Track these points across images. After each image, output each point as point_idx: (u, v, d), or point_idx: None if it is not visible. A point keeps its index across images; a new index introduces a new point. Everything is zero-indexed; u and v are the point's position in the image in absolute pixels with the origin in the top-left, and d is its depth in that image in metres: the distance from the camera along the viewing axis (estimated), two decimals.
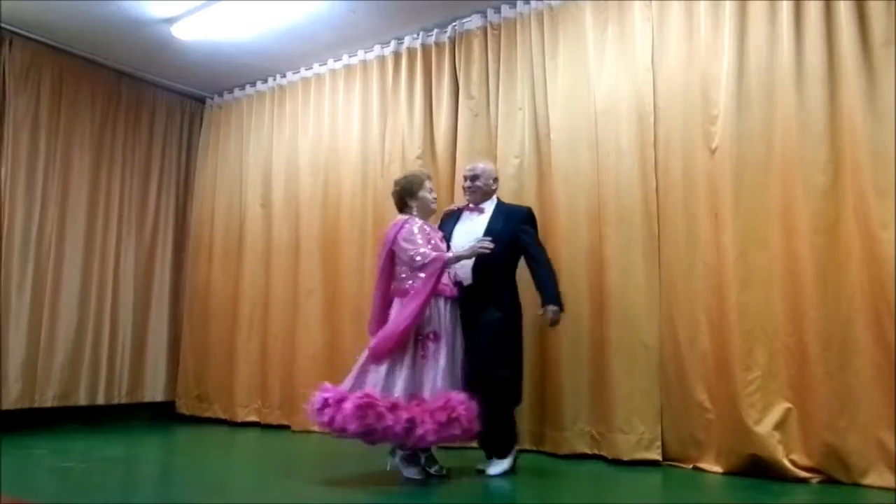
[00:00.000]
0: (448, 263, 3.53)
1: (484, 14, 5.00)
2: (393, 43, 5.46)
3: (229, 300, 6.15)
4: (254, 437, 5.41)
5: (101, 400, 5.87)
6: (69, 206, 5.82)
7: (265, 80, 6.32)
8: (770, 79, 3.78)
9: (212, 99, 6.78)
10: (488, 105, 4.90)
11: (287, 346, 5.68)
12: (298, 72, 6.08)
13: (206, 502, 3.13)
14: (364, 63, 5.65)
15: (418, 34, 5.32)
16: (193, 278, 6.51)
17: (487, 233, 3.68)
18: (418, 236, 3.57)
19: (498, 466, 3.65)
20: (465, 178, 3.99)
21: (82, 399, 5.75)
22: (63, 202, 5.77)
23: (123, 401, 6.05)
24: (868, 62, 3.52)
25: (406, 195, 3.78)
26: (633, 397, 4.00)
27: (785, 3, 3.78)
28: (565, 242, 4.36)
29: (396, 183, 3.85)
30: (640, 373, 4.03)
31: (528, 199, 4.56)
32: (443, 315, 3.56)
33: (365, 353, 3.49)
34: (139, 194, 6.37)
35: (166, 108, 6.64)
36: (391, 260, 3.63)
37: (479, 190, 3.93)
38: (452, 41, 5.16)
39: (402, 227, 3.60)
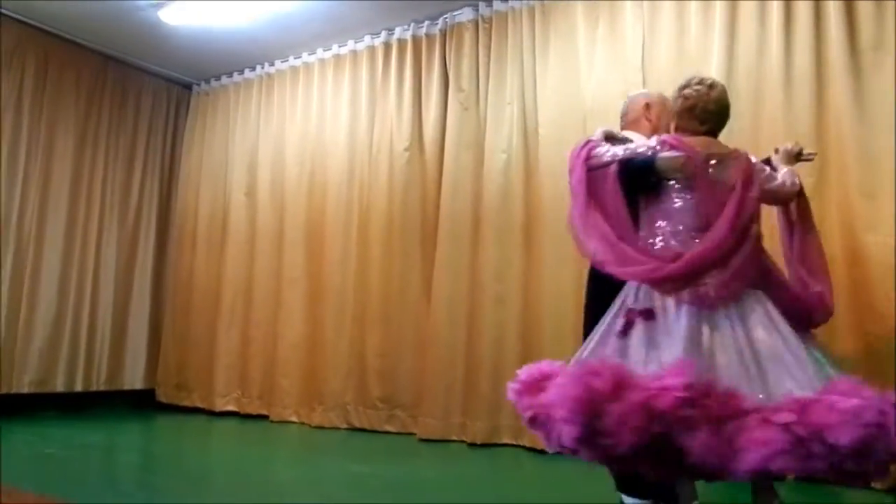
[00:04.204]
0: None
1: (476, 7, 4.98)
2: (383, 34, 5.42)
3: (212, 288, 6.09)
4: (233, 426, 5.39)
5: (79, 387, 5.79)
6: (51, 190, 5.73)
7: (253, 68, 6.27)
8: (759, 79, 3.80)
9: (198, 85, 6.71)
10: (478, 99, 4.89)
11: (269, 336, 5.65)
12: (287, 60, 6.03)
13: (188, 490, 3.11)
14: (354, 53, 5.62)
15: (409, 26, 5.29)
16: (176, 266, 6.45)
17: None
18: None
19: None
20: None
21: (60, 386, 5.67)
22: (45, 186, 5.69)
23: (102, 388, 5.97)
24: (856, 65, 3.54)
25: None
26: None
27: (775, 3, 3.81)
28: (550, 239, 4.36)
29: (725, 91, 2.52)
30: None
31: (515, 195, 4.57)
32: None
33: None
34: (123, 180, 6.29)
35: (152, 93, 6.56)
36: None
37: None
38: (443, 34, 5.14)
39: (751, 161, 2.43)
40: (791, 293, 2.35)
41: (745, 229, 2.26)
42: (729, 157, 2.39)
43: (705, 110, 2.43)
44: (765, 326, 2.18)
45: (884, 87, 3.44)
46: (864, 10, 3.57)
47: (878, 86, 3.47)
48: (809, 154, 2.70)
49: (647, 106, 2.80)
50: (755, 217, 2.32)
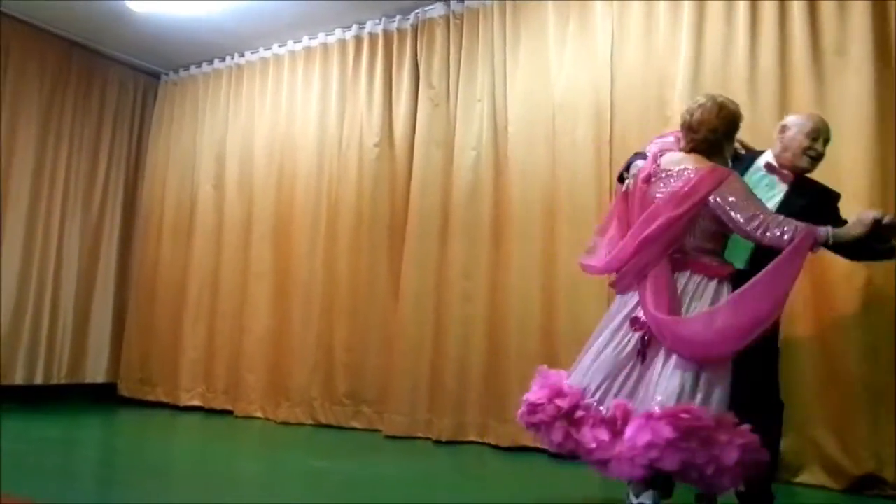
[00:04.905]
0: (819, 243, 2.35)
1: (447, 3, 4.96)
2: (354, 27, 5.37)
3: (177, 282, 6.01)
4: (197, 421, 5.33)
5: (39, 380, 5.69)
6: (12, 179, 5.60)
7: (223, 59, 6.18)
8: (724, 80, 3.81)
9: (167, 75, 6.60)
10: (448, 95, 4.87)
11: (235, 330, 5.59)
12: (257, 52, 5.96)
13: (147, 486, 3.07)
14: (325, 46, 5.56)
15: (380, 20, 5.25)
16: (141, 258, 6.35)
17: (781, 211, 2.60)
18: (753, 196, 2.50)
19: None
20: (818, 140, 2.77)
21: (19, 378, 5.56)
22: (5, 175, 5.56)
23: (63, 381, 5.87)
24: (818, 69, 3.59)
25: (730, 134, 2.63)
26: None
27: (741, 4, 3.84)
28: (518, 236, 4.37)
29: (722, 109, 2.57)
30: None
31: (484, 192, 4.57)
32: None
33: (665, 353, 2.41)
34: (87, 171, 6.16)
35: (119, 82, 6.44)
36: (694, 218, 2.48)
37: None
38: (415, 28, 5.11)
39: (725, 178, 2.48)
40: (652, 315, 2.43)
41: (644, 243, 2.49)
42: (677, 174, 2.54)
43: (690, 129, 2.59)
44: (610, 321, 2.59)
45: (844, 92, 3.49)
46: (828, 14, 3.62)
47: (838, 90, 3.51)
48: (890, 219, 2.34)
49: (782, 128, 2.86)
50: (662, 230, 2.48)
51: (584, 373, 2.53)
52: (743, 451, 2.21)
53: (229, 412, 5.48)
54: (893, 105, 3.43)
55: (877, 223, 2.31)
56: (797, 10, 3.67)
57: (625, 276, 2.56)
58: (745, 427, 2.29)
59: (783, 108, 3.64)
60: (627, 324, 2.50)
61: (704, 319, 2.37)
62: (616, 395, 2.43)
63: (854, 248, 2.49)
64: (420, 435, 4.50)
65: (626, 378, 2.45)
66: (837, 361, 3.35)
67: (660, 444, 2.20)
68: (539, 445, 4.05)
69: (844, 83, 3.50)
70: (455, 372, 4.45)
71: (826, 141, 2.80)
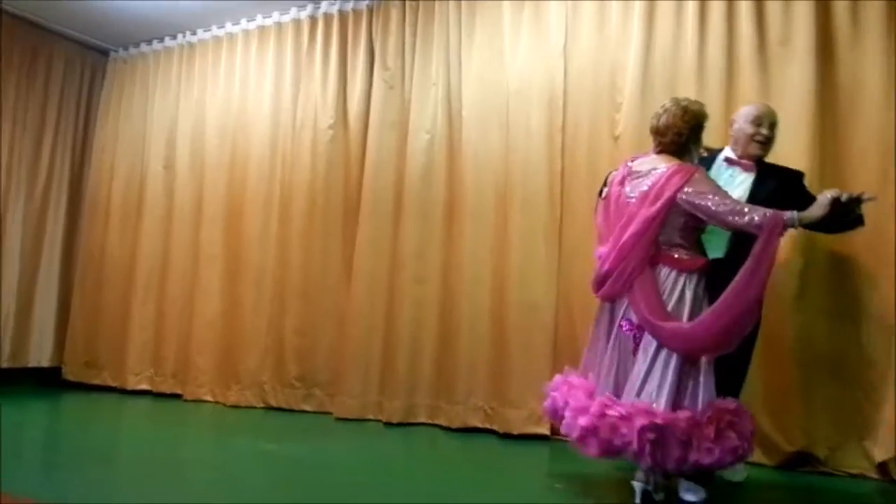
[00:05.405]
0: (788, 225, 2.44)
1: None
2: (310, 7, 5.31)
3: (125, 264, 5.89)
4: (145, 405, 5.25)
5: None
6: None
7: (174, 37, 6.05)
8: (673, 70, 3.91)
9: (116, 52, 6.43)
10: (403, 78, 4.85)
11: (184, 313, 5.51)
12: (210, 30, 5.84)
13: (89, 469, 3.02)
14: (279, 25, 5.49)
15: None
16: (88, 240, 6.20)
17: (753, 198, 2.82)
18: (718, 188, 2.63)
19: (695, 494, 2.69)
20: (762, 125, 2.97)
21: None
22: None
23: (5, 365, 5.71)
24: (763, 59, 3.69)
25: (695, 135, 2.76)
26: (528, 374, 4.07)
27: None
28: (471, 220, 4.40)
29: (686, 112, 2.71)
30: (537, 351, 4.10)
31: (438, 176, 4.58)
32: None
33: (659, 348, 2.56)
34: (31, 150, 5.97)
35: (65, 59, 6.25)
36: (666, 215, 2.62)
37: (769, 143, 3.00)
38: (370, 10, 5.07)
39: (691, 175, 2.61)
40: (644, 315, 2.59)
41: (626, 246, 2.64)
42: (647, 174, 2.69)
43: (657, 133, 2.76)
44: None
45: (787, 82, 3.60)
46: (773, 7, 3.72)
47: (782, 80, 3.62)
48: (856, 197, 2.44)
49: (731, 122, 3.00)
50: (640, 235, 2.63)
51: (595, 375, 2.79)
52: (641, 432, 2.41)
53: (178, 396, 5.42)
54: (833, 94, 3.55)
55: (836, 202, 2.41)
56: (744, 3, 3.76)
57: (614, 283, 2.68)
58: (663, 410, 2.47)
59: (730, 96, 3.74)
60: (621, 327, 2.71)
61: (703, 321, 2.51)
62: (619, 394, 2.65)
63: (824, 225, 2.55)
64: (371, 417, 4.52)
65: (626, 375, 2.66)
66: (774, 343, 3.46)
67: (583, 434, 2.59)
68: (488, 426, 4.15)
69: (788, 73, 3.60)
70: (406, 354, 4.48)
71: (772, 125, 2.95)
